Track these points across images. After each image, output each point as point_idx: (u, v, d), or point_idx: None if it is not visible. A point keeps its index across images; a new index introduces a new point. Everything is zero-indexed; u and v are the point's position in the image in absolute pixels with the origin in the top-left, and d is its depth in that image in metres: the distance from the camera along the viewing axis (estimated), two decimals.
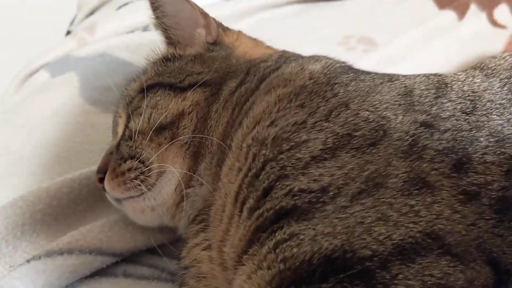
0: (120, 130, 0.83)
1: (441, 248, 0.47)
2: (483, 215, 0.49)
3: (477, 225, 0.48)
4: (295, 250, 0.50)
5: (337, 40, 1.40)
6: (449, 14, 1.51)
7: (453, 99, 0.60)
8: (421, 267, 0.46)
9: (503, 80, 0.61)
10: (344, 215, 0.50)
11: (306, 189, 0.54)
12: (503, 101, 0.58)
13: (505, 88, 0.60)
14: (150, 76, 0.83)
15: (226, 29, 0.90)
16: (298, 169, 0.56)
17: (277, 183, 0.56)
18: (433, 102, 0.59)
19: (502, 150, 0.52)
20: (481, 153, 0.52)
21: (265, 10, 1.49)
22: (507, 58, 0.66)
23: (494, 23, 1.51)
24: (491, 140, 0.53)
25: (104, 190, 0.78)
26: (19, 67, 1.36)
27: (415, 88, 0.62)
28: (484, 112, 0.57)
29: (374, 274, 0.46)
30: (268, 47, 0.91)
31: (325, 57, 0.79)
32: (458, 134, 0.54)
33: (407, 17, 1.52)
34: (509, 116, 0.55)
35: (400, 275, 0.46)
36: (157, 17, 0.85)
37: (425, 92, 0.61)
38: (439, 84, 0.63)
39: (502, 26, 1.49)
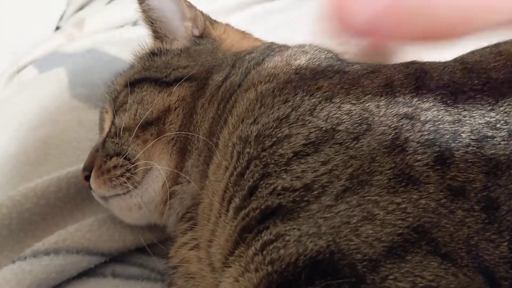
0: (106, 126, 0.82)
1: (429, 245, 0.45)
2: (471, 212, 0.47)
3: (466, 224, 0.46)
4: (281, 251, 0.48)
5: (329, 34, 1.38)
6: None
7: (433, 89, 0.58)
8: (411, 266, 0.44)
9: (482, 80, 0.58)
10: (329, 215, 0.49)
11: (289, 188, 0.52)
12: (483, 101, 0.55)
13: (485, 88, 0.57)
14: (136, 71, 0.82)
15: (213, 22, 0.88)
16: (281, 166, 0.54)
17: (261, 182, 0.55)
18: (414, 93, 0.57)
19: (482, 151, 0.50)
20: (463, 151, 0.51)
21: (257, 3, 1.48)
22: (487, 55, 0.63)
23: None
24: (472, 138, 0.51)
25: (91, 188, 0.77)
26: (7, 64, 1.34)
27: (395, 79, 0.60)
28: (466, 107, 0.55)
29: (364, 277, 0.44)
30: (257, 39, 0.90)
31: (312, 48, 0.77)
32: (440, 126, 0.53)
33: None
34: (487, 119, 0.53)
35: (390, 276, 0.44)
36: (143, 11, 0.84)
37: (406, 82, 0.59)
38: (418, 73, 0.61)
39: None
